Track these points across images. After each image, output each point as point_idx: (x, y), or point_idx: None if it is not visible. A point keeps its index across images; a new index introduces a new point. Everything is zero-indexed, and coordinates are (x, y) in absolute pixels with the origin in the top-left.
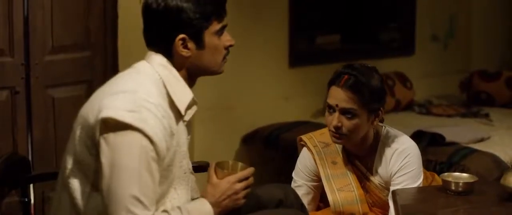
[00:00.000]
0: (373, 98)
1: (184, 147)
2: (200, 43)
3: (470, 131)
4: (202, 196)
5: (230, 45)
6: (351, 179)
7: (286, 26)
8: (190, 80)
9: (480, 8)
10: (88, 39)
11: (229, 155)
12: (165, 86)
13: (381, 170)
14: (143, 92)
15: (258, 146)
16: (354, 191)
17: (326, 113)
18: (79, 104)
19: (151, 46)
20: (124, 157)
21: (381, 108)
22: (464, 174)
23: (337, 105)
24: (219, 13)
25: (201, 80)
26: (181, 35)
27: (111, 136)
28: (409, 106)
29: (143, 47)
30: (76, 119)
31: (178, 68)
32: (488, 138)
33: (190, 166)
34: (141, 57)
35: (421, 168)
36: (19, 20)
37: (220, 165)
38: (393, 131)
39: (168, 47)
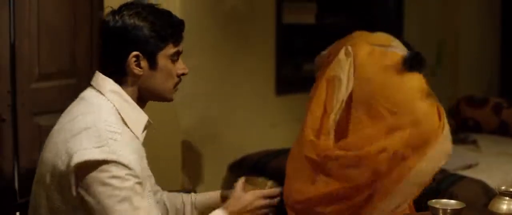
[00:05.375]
0: None
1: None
2: (153, 64)
3: (458, 157)
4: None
5: (183, 74)
6: None
7: (273, 53)
8: (141, 102)
9: (468, 34)
10: (75, 67)
11: (216, 182)
12: (119, 114)
13: None
14: (104, 124)
15: (245, 173)
16: None
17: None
18: None
19: (104, 67)
20: (112, 191)
21: None
22: (452, 201)
23: None
24: (176, 37)
25: (187, 108)
26: (135, 52)
27: (90, 178)
28: None
29: None
30: (40, 165)
31: (130, 89)
32: (476, 164)
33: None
34: None
35: None
36: (5, 48)
37: (249, 181)
38: None
39: (121, 65)
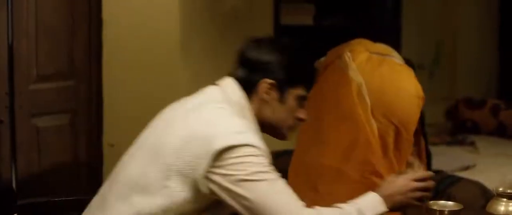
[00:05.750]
0: None
1: None
2: (282, 97)
3: (456, 159)
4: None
5: (301, 119)
6: None
7: None
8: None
9: (466, 35)
10: (73, 68)
11: None
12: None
13: None
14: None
15: None
16: None
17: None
18: (64, 134)
19: (238, 78)
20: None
21: None
22: (450, 202)
23: None
24: (309, 81)
25: None
26: (270, 80)
27: (231, 160)
28: None
29: (127, 75)
30: (154, 140)
31: (254, 108)
32: (474, 165)
33: None
34: (125, 85)
35: None
36: (3, 49)
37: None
38: None
39: (253, 85)
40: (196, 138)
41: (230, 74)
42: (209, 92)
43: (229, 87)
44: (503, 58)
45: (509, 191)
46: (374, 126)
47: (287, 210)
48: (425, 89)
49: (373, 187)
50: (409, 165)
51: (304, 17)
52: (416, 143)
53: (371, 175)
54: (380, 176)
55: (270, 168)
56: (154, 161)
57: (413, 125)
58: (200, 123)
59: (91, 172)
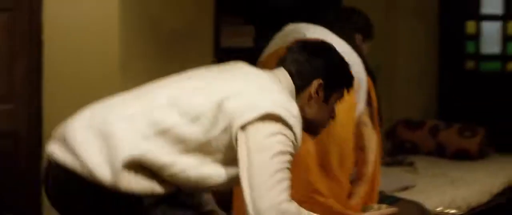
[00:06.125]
0: None
1: None
2: (327, 97)
3: (395, 179)
4: None
5: (333, 117)
6: None
7: None
8: None
9: (405, 58)
10: (12, 92)
11: None
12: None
13: None
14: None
15: None
16: None
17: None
18: (5, 158)
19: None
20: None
21: None
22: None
23: None
24: (350, 85)
25: None
26: (322, 81)
27: (270, 128)
28: None
29: (67, 96)
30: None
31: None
32: (413, 186)
33: None
34: (65, 107)
35: None
36: None
37: (365, 209)
38: None
39: (305, 82)
40: (250, 92)
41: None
42: (260, 73)
43: (282, 76)
44: (441, 80)
45: (447, 211)
46: (309, 143)
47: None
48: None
49: (318, 206)
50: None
51: (244, 39)
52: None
53: (313, 194)
54: (322, 194)
55: (289, 158)
56: (208, 95)
57: (351, 142)
58: (256, 83)
59: (31, 193)
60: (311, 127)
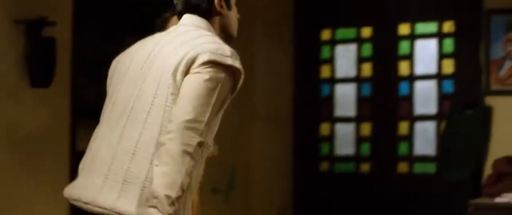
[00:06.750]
0: None
1: None
2: (228, 4)
3: None
4: None
5: (239, 16)
6: None
7: (67, 182)
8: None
9: (259, 161)
10: None
11: None
12: None
13: None
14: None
15: None
16: None
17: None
18: None
19: (193, 10)
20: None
21: None
22: None
23: None
24: None
25: None
26: None
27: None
28: None
29: None
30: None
31: (216, 28)
32: None
33: None
34: None
35: None
36: None
37: None
38: None
39: (209, 8)
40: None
41: (182, 12)
42: (181, 30)
43: (192, 20)
44: (296, 181)
45: None
46: None
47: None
48: (220, 212)
49: None
50: None
51: None
52: None
53: None
54: None
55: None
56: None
57: None
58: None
59: None
60: (231, 33)
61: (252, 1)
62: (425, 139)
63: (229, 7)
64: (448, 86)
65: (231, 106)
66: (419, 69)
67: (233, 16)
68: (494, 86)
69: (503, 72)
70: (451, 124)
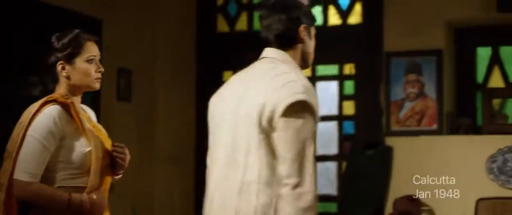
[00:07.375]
0: None
1: None
2: (310, 34)
3: None
4: None
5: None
6: None
7: None
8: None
9: (161, 202)
10: None
11: None
12: None
13: None
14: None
15: None
16: None
17: None
18: None
19: (280, 44)
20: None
21: None
22: None
23: None
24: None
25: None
26: (305, 24)
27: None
28: None
29: None
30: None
31: (297, 59)
32: None
33: None
34: None
35: None
36: None
37: None
38: None
39: (293, 36)
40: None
41: (269, 43)
42: (264, 68)
43: (276, 54)
44: None
45: None
46: None
47: None
48: None
49: None
50: None
51: None
52: None
53: None
54: None
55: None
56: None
57: None
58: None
59: None
60: (308, 61)
61: (156, 40)
62: (326, 179)
63: (310, 37)
64: (349, 127)
65: (131, 145)
66: (320, 111)
67: (313, 45)
68: (394, 127)
69: (403, 113)
70: (352, 164)
